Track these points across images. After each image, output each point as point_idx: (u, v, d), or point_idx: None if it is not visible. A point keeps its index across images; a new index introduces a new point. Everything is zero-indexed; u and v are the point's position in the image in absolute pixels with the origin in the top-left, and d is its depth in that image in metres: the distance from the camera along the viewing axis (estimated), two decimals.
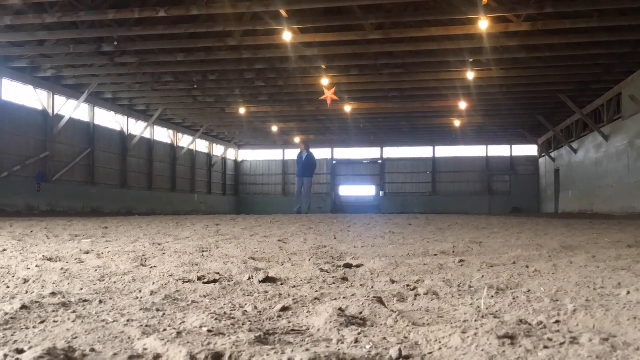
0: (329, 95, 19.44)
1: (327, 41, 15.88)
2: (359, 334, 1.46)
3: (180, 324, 1.61)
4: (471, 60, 17.23)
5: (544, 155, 31.13)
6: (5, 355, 1.20)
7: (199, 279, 2.47)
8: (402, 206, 32.84)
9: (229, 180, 36.55)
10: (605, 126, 20.37)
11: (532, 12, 13.47)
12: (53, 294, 2.07)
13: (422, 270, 2.93)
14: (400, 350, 1.29)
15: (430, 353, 1.31)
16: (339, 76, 19.33)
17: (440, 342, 1.36)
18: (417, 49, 16.41)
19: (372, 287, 2.37)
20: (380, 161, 36.26)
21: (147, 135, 26.74)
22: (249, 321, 1.66)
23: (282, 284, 2.45)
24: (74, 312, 1.78)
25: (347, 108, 23.51)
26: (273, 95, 22.65)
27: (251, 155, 37.93)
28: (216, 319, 1.62)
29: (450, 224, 9.21)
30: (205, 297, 2.11)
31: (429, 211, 27.94)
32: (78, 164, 21.85)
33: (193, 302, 2.01)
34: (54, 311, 1.78)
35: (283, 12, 13.96)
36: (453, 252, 4.01)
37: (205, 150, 33.56)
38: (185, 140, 30.67)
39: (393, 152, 36.18)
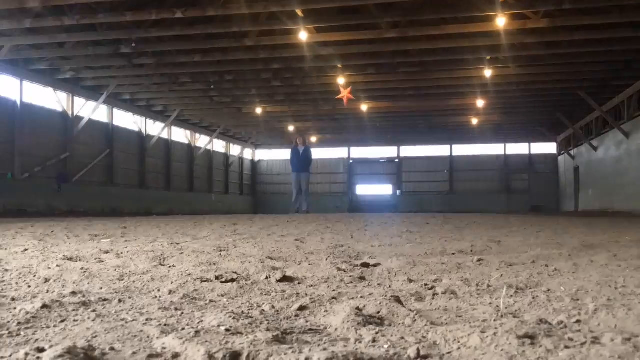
0: (345, 94, 19.40)
1: (343, 40, 15.85)
2: (377, 333, 1.46)
3: (199, 323, 1.62)
4: (488, 57, 17.09)
5: (563, 153, 30.77)
6: (27, 354, 1.22)
7: (217, 278, 2.48)
8: (419, 205, 32.68)
9: (246, 180, 36.69)
10: (625, 123, 20.08)
11: (550, 9, 13.31)
12: (73, 293, 2.09)
13: (440, 269, 2.91)
14: (418, 349, 1.28)
15: (449, 353, 1.30)
16: (355, 75, 19.29)
17: (459, 342, 1.35)
18: (433, 47, 16.32)
19: (390, 287, 2.36)
20: (397, 160, 36.12)
21: (164, 135, 26.94)
22: (267, 320, 1.66)
23: (299, 283, 2.45)
24: (94, 311, 1.80)
25: (364, 107, 23.46)
26: (289, 95, 22.68)
27: (268, 155, 38.03)
28: (234, 318, 1.62)
29: (468, 222, 9.14)
30: (223, 296, 2.12)
31: (447, 210, 27.77)
32: (97, 165, 22.09)
33: (211, 301, 2.02)
34: (74, 310, 1.80)
35: (299, 12, 13.97)
36: (471, 251, 3.98)
37: (222, 150, 33.71)
38: (202, 141, 30.85)
39: (410, 150, 36.02)
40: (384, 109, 24.41)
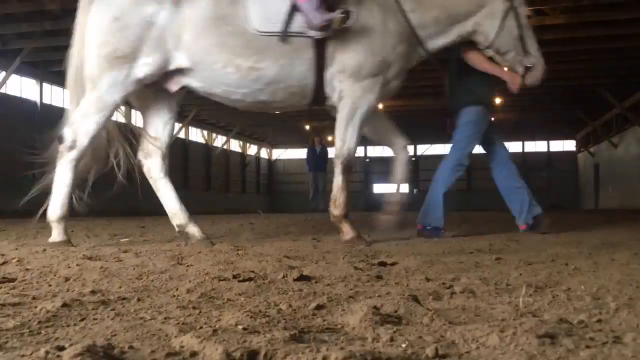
0: None
1: None
2: (394, 332, 1.45)
3: (216, 321, 1.63)
4: None
5: (582, 151, 30.42)
6: (47, 352, 1.23)
7: (234, 277, 2.49)
8: None
9: (262, 179, 36.82)
10: None
11: (568, 4, 13.16)
12: (93, 292, 2.11)
13: (457, 268, 2.89)
14: (436, 348, 1.27)
15: (467, 352, 1.29)
16: None
17: (477, 341, 1.34)
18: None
19: (407, 285, 2.35)
20: (414, 158, 36.00)
21: (181, 135, 27.14)
22: (284, 319, 1.66)
23: (316, 282, 2.45)
24: (113, 309, 1.82)
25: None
26: None
27: (285, 154, 38.11)
28: (251, 317, 1.63)
29: (486, 220, 9.06)
30: (240, 295, 2.13)
31: (464, 208, 27.59)
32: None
33: (228, 300, 2.03)
34: (93, 309, 1.82)
35: None
36: (489, 249, 3.95)
37: (239, 150, 33.86)
38: (219, 140, 31.00)
39: (427, 149, 35.85)
40: (400, 107, 24.33)
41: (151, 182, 4.72)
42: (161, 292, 2.19)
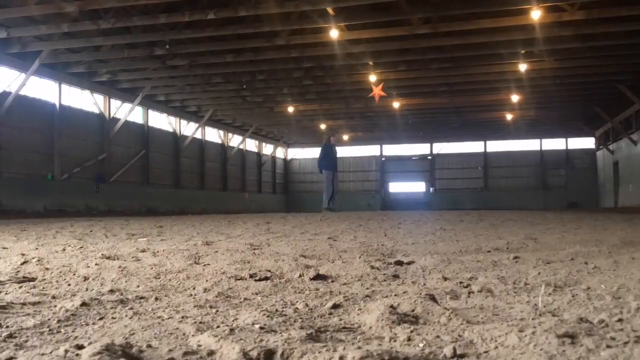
0: (376, 91, 19.32)
1: (374, 37, 15.79)
2: (412, 331, 1.44)
3: (233, 320, 1.63)
4: (523, 51, 16.79)
5: (601, 148, 30.03)
6: (66, 351, 1.24)
7: (251, 276, 2.50)
8: (452, 202, 32.33)
9: (278, 178, 36.89)
10: None
11: (586, 0, 12.99)
12: (111, 291, 2.13)
13: (475, 267, 2.87)
14: (454, 348, 1.26)
15: (485, 352, 1.28)
16: (387, 72, 19.19)
17: (496, 341, 1.33)
18: (466, 42, 16.11)
19: (424, 285, 2.34)
20: (429, 157, 35.81)
21: (198, 135, 27.29)
22: (300, 318, 1.66)
23: (332, 281, 2.45)
24: (131, 308, 1.83)
25: (396, 104, 23.32)
26: (321, 93, 22.70)
27: (300, 154, 38.14)
28: (268, 316, 1.63)
29: (503, 219, 9.00)
30: (257, 294, 2.13)
31: (481, 207, 27.41)
32: (133, 165, 22.51)
33: (245, 299, 2.03)
34: (112, 308, 1.83)
35: (330, 10, 13.97)
36: (507, 248, 3.91)
37: (255, 150, 33.97)
38: (235, 140, 31.14)
39: (443, 147, 35.66)
40: (416, 105, 24.22)
41: None
42: (178, 291, 2.20)
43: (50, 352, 1.26)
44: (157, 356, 1.26)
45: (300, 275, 2.52)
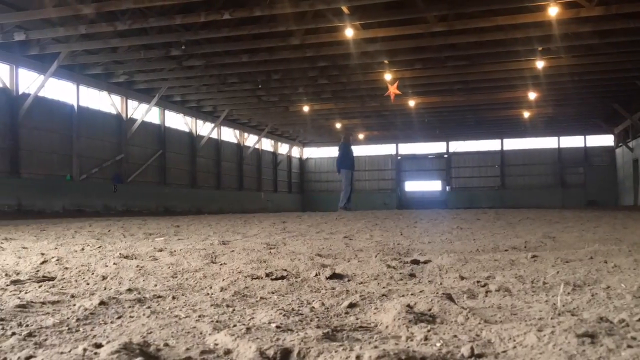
0: (392, 90, 19.25)
1: (389, 36, 15.74)
2: (429, 331, 1.43)
3: (250, 319, 1.63)
4: (540, 48, 16.63)
5: (621, 145, 29.63)
6: (85, 349, 1.26)
7: (267, 275, 2.50)
8: (469, 201, 32.11)
9: (294, 178, 36.94)
10: None
11: None
12: (129, 290, 2.14)
13: (492, 266, 2.85)
14: (472, 348, 1.25)
15: (504, 352, 1.27)
16: (402, 70, 19.12)
17: (514, 341, 1.31)
18: (482, 40, 15.99)
19: (441, 284, 2.33)
20: (446, 155, 35.62)
21: (214, 135, 27.42)
22: (317, 317, 1.66)
23: (348, 281, 2.44)
24: (149, 307, 1.84)
25: (411, 102, 23.23)
26: (336, 93, 22.69)
27: (315, 153, 38.15)
28: (284, 315, 1.63)
29: (520, 218, 8.92)
30: (273, 293, 2.13)
31: (498, 206, 27.20)
32: (150, 165, 22.68)
33: (261, 298, 2.04)
34: (130, 307, 1.85)
35: (345, 9, 13.94)
36: (525, 247, 3.88)
37: (271, 149, 34.05)
38: (250, 140, 31.24)
39: (459, 145, 35.44)
40: (431, 104, 24.11)
41: None
42: (195, 291, 2.21)
43: (69, 351, 1.27)
44: (174, 355, 1.27)
45: (316, 275, 2.52)
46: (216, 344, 1.34)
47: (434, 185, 36.17)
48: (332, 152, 37.25)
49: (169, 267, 2.89)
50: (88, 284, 2.41)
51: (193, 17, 14.11)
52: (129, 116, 21.32)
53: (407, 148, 36.59)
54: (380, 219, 9.25)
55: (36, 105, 16.83)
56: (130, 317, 1.71)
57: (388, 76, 19.08)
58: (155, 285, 2.33)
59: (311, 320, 1.60)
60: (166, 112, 23.94)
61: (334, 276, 2.48)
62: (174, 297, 2.04)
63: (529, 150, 33.92)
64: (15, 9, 13.85)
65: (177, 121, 25.02)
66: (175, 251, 3.78)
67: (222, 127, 28.02)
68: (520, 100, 23.35)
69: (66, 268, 2.90)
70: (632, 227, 6.01)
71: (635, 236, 4.56)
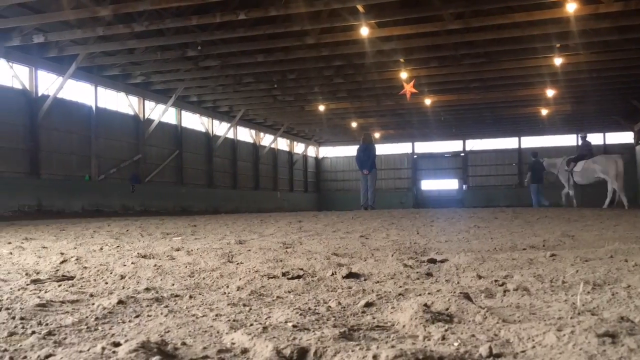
0: (407, 88, 19.16)
1: (404, 34, 15.67)
2: (446, 330, 1.42)
3: (266, 319, 1.64)
4: (558, 45, 16.44)
5: None
6: (103, 348, 1.27)
7: (284, 274, 2.51)
8: (486, 199, 31.85)
9: (310, 177, 36.95)
10: None
11: None
12: (147, 289, 2.16)
13: (510, 265, 2.82)
14: (490, 347, 1.24)
15: (523, 351, 1.26)
16: (418, 69, 19.03)
17: (533, 340, 1.30)
18: (499, 37, 15.85)
19: (458, 283, 2.31)
20: (462, 154, 35.37)
21: (230, 135, 27.53)
22: (333, 317, 1.65)
23: (365, 280, 2.44)
24: (166, 306, 1.85)
25: (427, 101, 23.11)
26: (352, 91, 22.65)
27: (331, 152, 38.12)
28: (301, 314, 1.63)
29: (539, 216, 8.83)
30: (289, 292, 2.13)
31: (516, 204, 26.93)
32: (167, 165, 22.84)
33: (278, 297, 2.04)
34: (147, 306, 1.86)
35: (360, 8, 13.91)
36: (543, 246, 3.84)
37: (287, 149, 34.10)
38: (266, 139, 31.31)
39: (476, 144, 35.18)
40: (448, 102, 23.96)
41: None
42: (212, 290, 2.22)
43: (88, 350, 1.28)
44: (191, 354, 1.27)
45: (332, 274, 2.51)
46: (233, 343, 1.34)
47: (450, 184, 35.95)
48: (348, 151, 37.23)
49: (186, 267, 2.91)
50: (107, 283, 2.43)
51: (209, 17, 14.18)
52: (146, 117, 21.48)
53: (424, 147, 36.41)
54: (396, 218, 9.22)
55: (55, 106, 17.03)
56: (148, 316, 1.72)
57: (404, 75, 19.00)
58: (173, 285, 2.34)
59: (328, 320, 1.60)
60: (183, 112, 24.09)
61: (351, 275, 2.48)
62: (191, 296, 2.05)
63: (548, 148, 33.49)
64: (34, 12, 14.02)
65: (193, 121, 25.17)
66: (192, 250, 3.80)
67: (238, 127, 28.11)
68: (538, 97, 23.11)
69: (85, 267, 2.93)
70: None
71: None
